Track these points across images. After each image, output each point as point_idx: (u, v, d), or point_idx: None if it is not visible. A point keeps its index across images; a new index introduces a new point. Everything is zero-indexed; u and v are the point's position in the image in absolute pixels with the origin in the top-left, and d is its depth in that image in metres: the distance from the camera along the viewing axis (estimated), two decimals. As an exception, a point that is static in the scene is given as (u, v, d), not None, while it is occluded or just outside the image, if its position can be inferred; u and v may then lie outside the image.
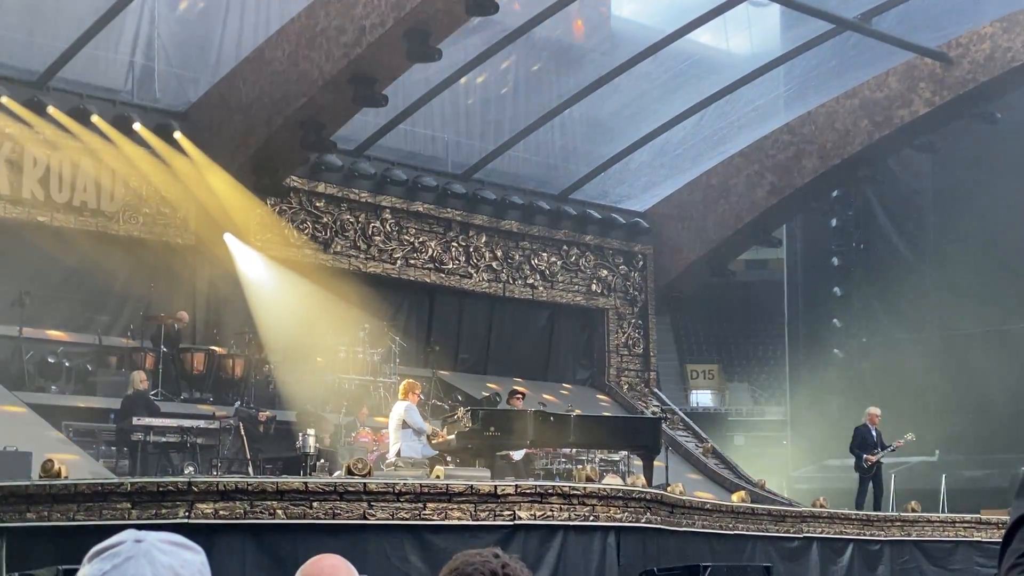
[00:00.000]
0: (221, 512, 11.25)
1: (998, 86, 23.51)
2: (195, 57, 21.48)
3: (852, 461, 20.68)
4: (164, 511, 11.14)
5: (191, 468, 15.97)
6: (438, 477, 12.99)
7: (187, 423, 17.24)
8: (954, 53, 23.45)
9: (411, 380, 17.39)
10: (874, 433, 20.45)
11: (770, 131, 25.91)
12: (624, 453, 19.31)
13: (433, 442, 16.47)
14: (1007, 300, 25.21)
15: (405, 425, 16.21)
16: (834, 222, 28.32)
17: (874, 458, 20.04)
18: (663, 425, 22.36)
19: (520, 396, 18.79)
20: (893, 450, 20.32)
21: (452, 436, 16.24)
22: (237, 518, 11.29)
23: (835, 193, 27.81)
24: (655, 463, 18.90)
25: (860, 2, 22.34)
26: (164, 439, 16.86)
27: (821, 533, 16.78)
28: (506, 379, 24.28)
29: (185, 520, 10.96)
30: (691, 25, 22.41)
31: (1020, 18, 22.98)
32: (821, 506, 17.37)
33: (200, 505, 11.19)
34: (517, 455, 18.62)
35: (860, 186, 27.19)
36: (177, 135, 20.59)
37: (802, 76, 25.01)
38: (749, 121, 25.77)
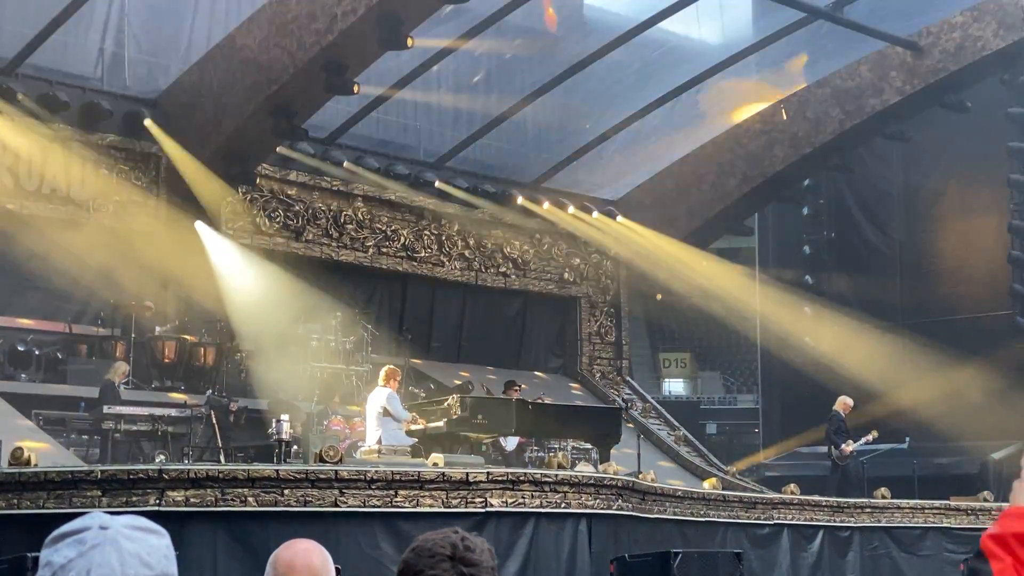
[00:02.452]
0: (192, 500, 11.24)
1: (968, 75, 23.61)
2: (165, 44, 21.33)
3: (822, 449, 20.78)
4: (135, 499, 11.13)
5: (162, 456, 15.93)
6: (435, 464, 12.98)
7: (158, 411, 17.20)
8: (925, 42, 23.52)
9: (392, 366, 17.01)
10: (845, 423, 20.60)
11: (742, 120, 25.95)
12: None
13: (404, 430, 16.39)
14: (977, 289, 25.35)
15: (386, 413, 15.99)
16: (805, 211, 28.37)
17: (850, 448, 20.16)
18: (631, 413, 22.44)
19: (517, 388, 18.83)
20: (865, 444, 20.49)
21: (440, 422, 16.11)
22: (208, 506, 11.28)
23: (806, 182, 27.86)
24: (629, 451, 18.97)
25: (831, -9, 22.39)
26: (135, 427, 16.82)
27: (792, 520, 16.88)
28: (478, 367, 24.28)
29: (156, 508, 10.95)
30: (663, 14, 22.43)
31: (990, 7, 23.07)
32: (792, 493, 17.47)
33: (171, 493, 11.18)
34: (510, 444, 18.56)
35: (831, 175, 27.27)
36: (147, 122, 20.47)
37: (774, 65, 25.06)
38: (721, 110, 25.80)
